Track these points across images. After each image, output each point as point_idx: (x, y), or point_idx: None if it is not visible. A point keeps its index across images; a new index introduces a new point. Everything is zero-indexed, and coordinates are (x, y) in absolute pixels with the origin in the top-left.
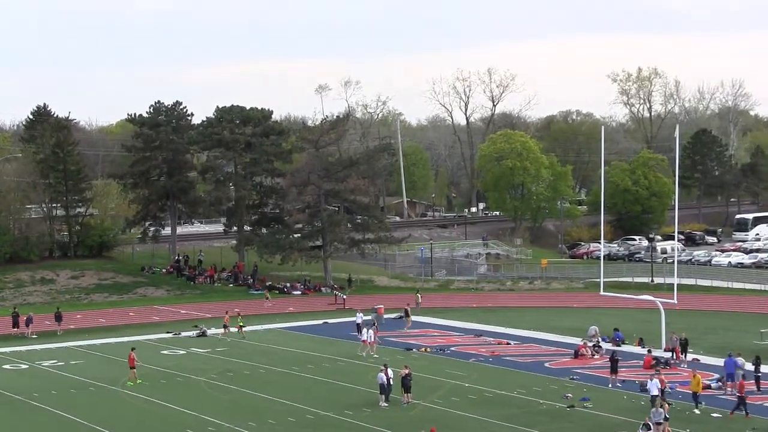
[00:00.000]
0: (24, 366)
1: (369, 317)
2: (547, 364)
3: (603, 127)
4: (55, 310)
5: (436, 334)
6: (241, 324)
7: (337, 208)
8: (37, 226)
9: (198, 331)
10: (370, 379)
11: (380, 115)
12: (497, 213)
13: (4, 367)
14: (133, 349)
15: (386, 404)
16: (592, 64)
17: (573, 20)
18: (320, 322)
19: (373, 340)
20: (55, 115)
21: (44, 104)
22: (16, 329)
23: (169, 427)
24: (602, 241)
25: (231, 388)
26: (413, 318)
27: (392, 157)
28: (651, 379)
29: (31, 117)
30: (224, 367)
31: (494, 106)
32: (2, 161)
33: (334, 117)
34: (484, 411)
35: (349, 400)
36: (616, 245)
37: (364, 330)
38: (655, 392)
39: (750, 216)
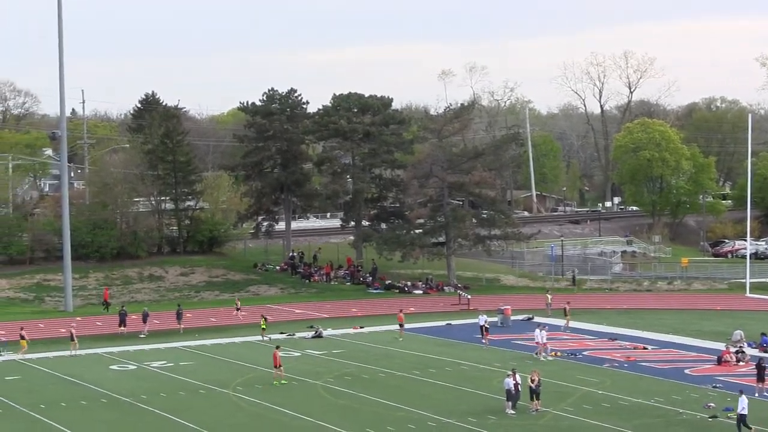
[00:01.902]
0: (132, 367)
1: (494, 318)
2: (687, 371)
3: (750, 115)
4: (176, 308)
5: (566, 337)
6: (264, 327)
7: (461, 203)
8: (144, 221)
9: (314, 332)
10: (496, 384)
11: (508, 103)
12: (634, 208)
13: (112, 367)
14: (277, 348)
15: (513, 412)
16: (737, 48)
17: (716, 0)
18: (443, 323)
19: (545, 341)
20: (163, 104)
21: (152, 92)
22: (123, 328)
23: None
24: (748, 238)
25: (348, 392)
26: (543, 320)
27: (520, 147)
28: None
29: (139, 106)
30: (341, 371)
31: (631, 92)
32: (109, 152)
33: (459, 105)
34: (618, 420)
35: (473, 406)
36: (764, 243)
37: (537, 331)
38: None
39: None
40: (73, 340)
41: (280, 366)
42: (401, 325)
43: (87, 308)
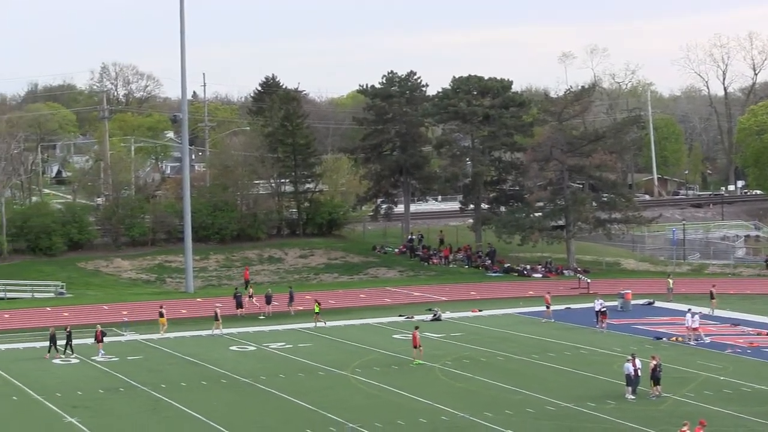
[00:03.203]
0: (251, 348)
1: (614, 303)
2: None
3: None
4: (286, 290)
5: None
6: (317, 311)
7: (581, 186)
8: (264, 203)
9: (432, 315)
10: (616, 369)
11: (629, 85)
12: (758, 192)
13: (231, 348)
14: (416, 328)
15: (633, 397)
16: None
17: None
18: (562, 307)
19: (697, 326)
20: (283, 87)
21: (273, 75)
22: (241, 310)
23: (401, 415)
24: None
25: (466, 375)
26: (664, 305)
27: (642, 130)
28: None
29: (259, 89)
30: (459, 354)
31: (755, 74)
32: (230, 135)
33: (579, 87)
34: (740, 407)
35: (593, 391)
36: None
37: (688, 316)
38: None
39: None
40: (217, 319)
41: (419, 346)
42: (548, 307)
43: (207, 290)
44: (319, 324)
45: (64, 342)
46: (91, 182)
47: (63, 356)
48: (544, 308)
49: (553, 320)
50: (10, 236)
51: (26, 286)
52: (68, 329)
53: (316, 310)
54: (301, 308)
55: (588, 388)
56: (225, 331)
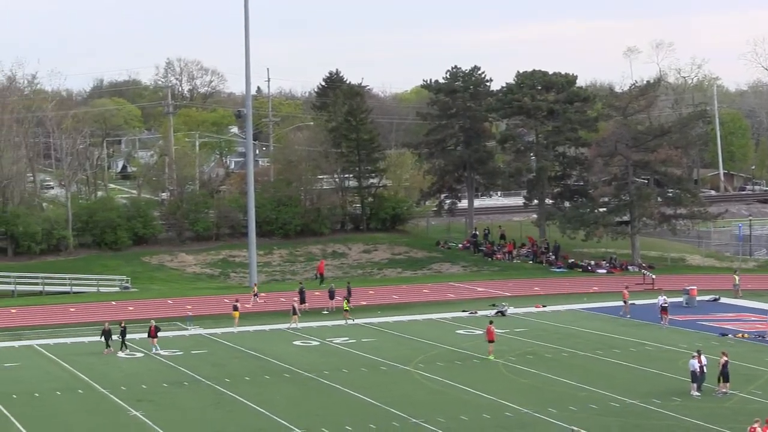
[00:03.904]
0: (315, 343)
1: (680, 299)
2: None
3: None
4: (345, 285)
5: (754, 319)
6: (347, 308)
7: (646, 181)
8: (328, 198)
9: (496, 310)
10: (681, 366)
11: (695, 80)
12: None
13: (295, 343)
14: (491, 323)
15: (698, 393)
16: None
17: None
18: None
19: None
20: (347, 82)
21: (336, 71)
22: (304, 305)
23: (464, 410)
24: None
25: (530, 371)
26: (729, 301)
27: (708, 125)
28: None
29: (323, 84)
30: (524, 349)
31: None
32: (293, 130)
33: (644, 82)
34: None
35: (658, 388)
36: None
37: None
38: None
39: None
40: (295, 313)
41: (492, 341)
42: (626, 302)
43: (271, 284)
44: (349, 322)
45: (119, 337)
46: (156, 177)
47: (120, 351)
48: (621, 303)
49: (628, 316)
50: (75, 231)
51: (92, 280)
52: (122, 324)
53: (345, 307)
54: (364, 303)
55: (653, 384)
56: (288, 325)
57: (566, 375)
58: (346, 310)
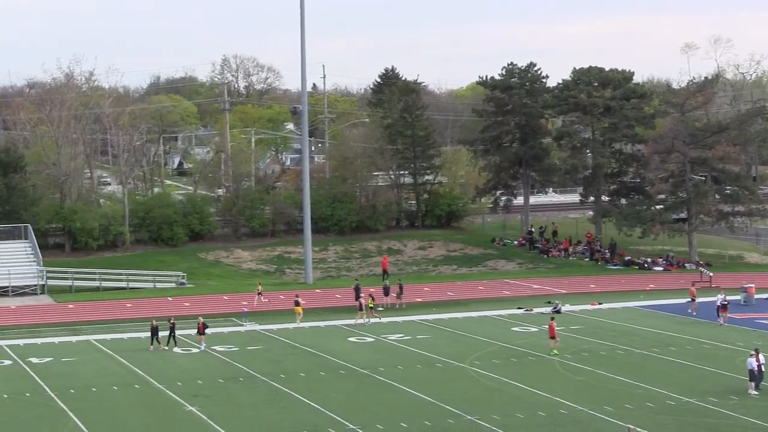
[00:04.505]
0: (370, 339)
1: (737, 297)
2: None
3: None
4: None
5: None
6: (372, 306)
7: (703, 178)
8: (383, 195)
9: (552, 308)
10: (738, 364)
11: (753, 76)
12: None
13: (350, 339)
14: (552, 319)
15: (756, 392)
16: None
17: None
18: (683, 300)
19: None
20: (403, 79)
21: (392, 67)
22: (360, 300)
23: (519, 408)
24: None
25: (585, 369)
26: None
27: (766, 121)
28: None
29: (378, 81)
30: (579, 347)
31: None
32: (349, 126)
33: (702, 78)
34: None
35: (714, 386)
36: None
37: None
38: None
39: None
40: (361, 309)
41: (555, 337)
42: (693, 300)
43: (326, 281)
44: (374, 320)
45: (167, 334)
46: (212, 174)
47: (165, 347)
48: (680, 301)
49: (695, 314)
50: (132, 227)
51: (148, 276)
52: (171, 321)
53: (371, 305)
54: (419, 300)
55: (710, 383)
56: (343, 322)
57: (622, 373)
58: (371, 308)
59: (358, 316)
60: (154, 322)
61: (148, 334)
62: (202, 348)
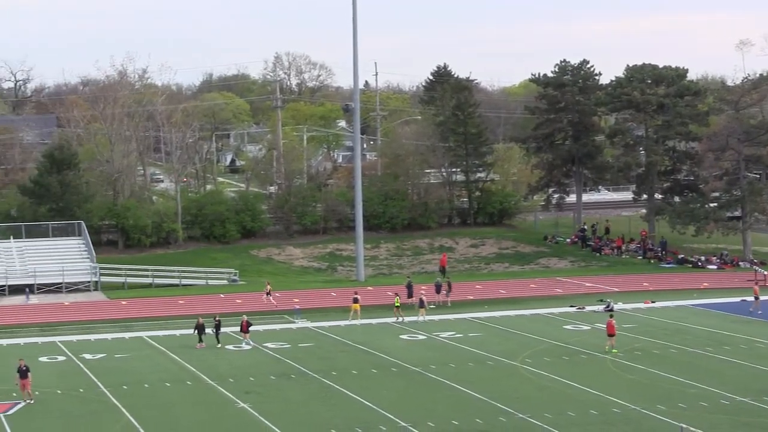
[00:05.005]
0: (421, 337)
1: None
2: None
3: None
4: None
5: None
6: (397, 305)
7: (758, 176)
8: (435, 192)
9: (605, 306)
10: None
11: None
12: None
13: (402, 337)
14: (611, 317)
15: None
16: None
17: None
18: (737, 299)
19: None
20: (455, 76)
21: (444, 64)
22: (412, 299)
23: (571, 406)
24: None
25: (638, 367)
26: None
27: None
28: None
29: (431, 78)
30: (631, 345)
31: None
32: (401, 124)
33: (757, 75)
34: None
35: None
36: None
37: None
38: None
39: None
40: (422, 306)
41: (614, 334)
42: (756, 298)
43: (378, 278)
44: (399, 319)
45: (213, 331)
46: (264, 171)
47: (218, 345)
48: (738, 299)
49: (759, 312)
50: (185, 224)
51: (200, 273)
52: (216, 319)
53: (396, 303)
54: (471, 298)
55: (765, 382)
56: (395, 319)
57: (675, 372)
58: (396, 307)
59: (418, 314)
60: (200, 320)
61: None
62: (246, 345)
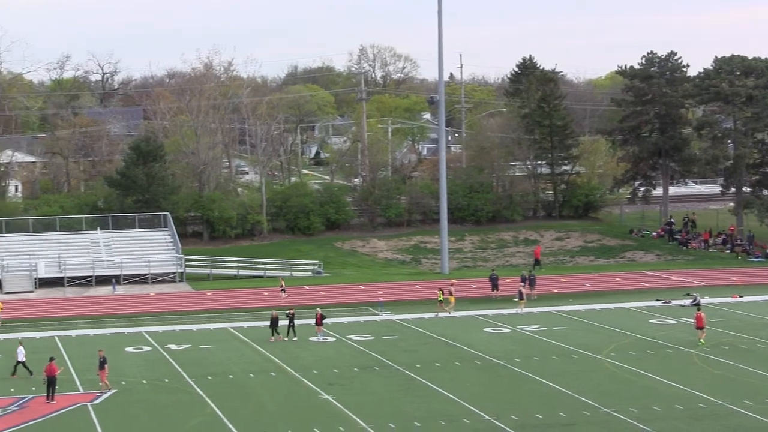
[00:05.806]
0: (506, 330)
1: None
2: None
3: None
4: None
5: None
6: (441, 299)
7: None
8: (520, 185)
9: (691, 300)
10: None
11: None
12: None
13: (486, 330)
14: (698, 310)
15: None
16: None
17: None
18: None
19: None
20: (540, 68)
21: (530, 56)
22: (496, 292)
23: (656, 401)
24: None
25: (725, 362)
26: None
27: None
28: None
29: (516, 70)
30: (718, 340)
31: None
32: (486, 116)
33: None
34: None
35: None
36: None
37: None
38: None
39: None
40: (522, 298)
41: (703, 327)
42: None
43: (462, 271)
44: (443, 314)
45: (286, 324)
46: (349, 163)
47: (286, 339)
48: None
49: None
50: (270, 216)
51: (285, 264)
52: (291, 312)
53: (440, 298)
54: (555, 291)
55: None
56: (479, 312)
57: (762, 367)
58: (440, 301)
59: (519, 306)
60: (274, 313)
61: (284, 322)
62: (321, 338)
